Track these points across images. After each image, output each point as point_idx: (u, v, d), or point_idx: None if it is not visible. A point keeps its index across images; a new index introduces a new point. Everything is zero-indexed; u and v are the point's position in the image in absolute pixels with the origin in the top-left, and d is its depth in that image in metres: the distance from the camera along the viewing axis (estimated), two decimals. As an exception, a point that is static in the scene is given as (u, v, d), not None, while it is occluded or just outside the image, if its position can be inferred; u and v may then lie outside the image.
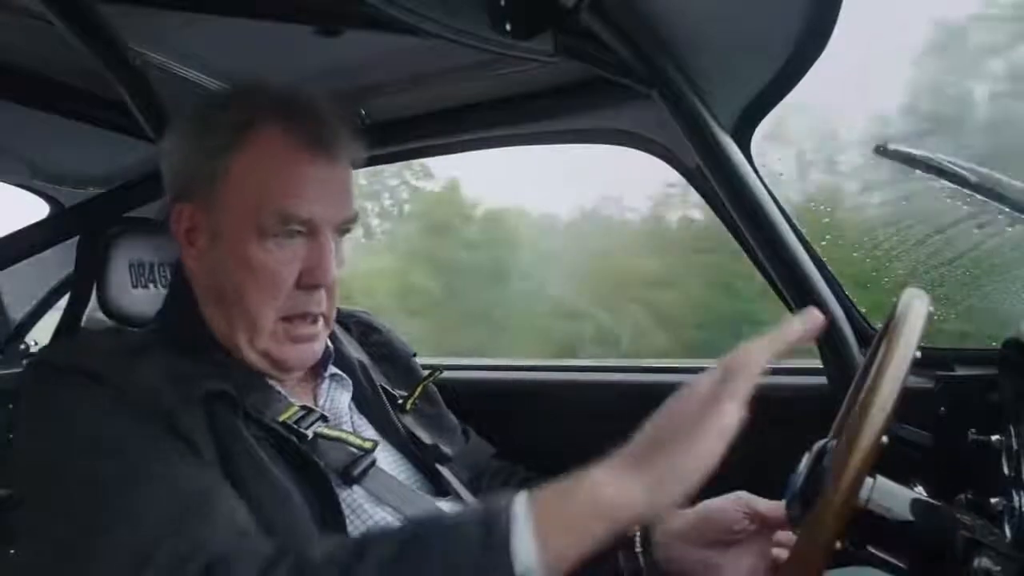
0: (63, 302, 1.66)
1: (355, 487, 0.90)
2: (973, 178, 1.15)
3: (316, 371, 1.03)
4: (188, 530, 0.67)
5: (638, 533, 1.00)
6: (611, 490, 0.63)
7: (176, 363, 0.84)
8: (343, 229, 0.95)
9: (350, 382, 1.05)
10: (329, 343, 1.04)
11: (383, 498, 0.91)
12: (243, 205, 0.88)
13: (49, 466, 0.75)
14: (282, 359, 0.92)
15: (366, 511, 0.89)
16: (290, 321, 0.92)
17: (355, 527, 0.86)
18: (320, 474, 0.85)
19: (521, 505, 0.62)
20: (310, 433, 0.88)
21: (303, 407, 0.92)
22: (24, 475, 0.78)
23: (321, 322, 0.95)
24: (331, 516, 0.83)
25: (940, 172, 1.18)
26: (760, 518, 0.92)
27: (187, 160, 0.92)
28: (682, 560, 0.97)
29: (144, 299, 1.10)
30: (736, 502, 0.94)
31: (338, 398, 1.02)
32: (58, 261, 1.78)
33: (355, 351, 1.12)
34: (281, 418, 0.88)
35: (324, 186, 0.91)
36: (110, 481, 0.71)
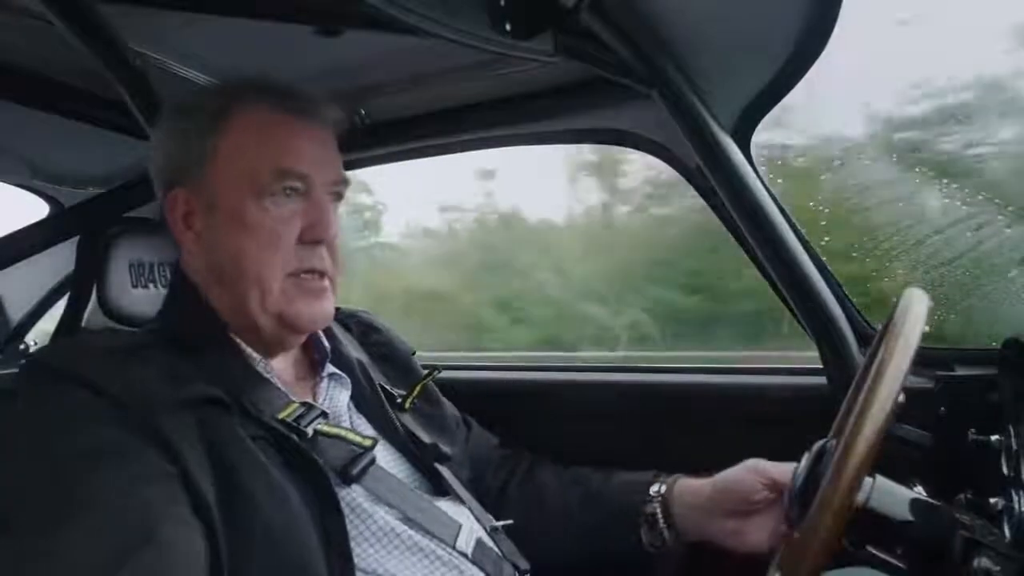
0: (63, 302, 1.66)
1: (354, 486, 0.90)
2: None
3: (314, 370, 1.03)
4: (127, 571, 0.65)
5: (659, 509, 1.03)
6: None
7: (172, 363, 0.83)
8: (336, 192, 0.97)
9: (349, 381, 1.05)
10: (327, 343, 1.05)
11: (382, 497, 0.91)
12: (237, 173, 0.91)
13: (15, 476, 0.73)
14: (295, 316, 0.93)
15: (365, 510, 0.89)
16: (297, 277, 0.93)
17: (354, 526, 0.86)
18: (320, 472, 0.84)
19: None
20: (310, 431, 0.88)
21: (304, 403, 0.92)
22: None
23: (328, 280, 0.96)
24: (330, 515, 0.83)
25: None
26: (776, 485, 0.94)
27: (173, 148, 0.95)
28: (704, 530, 1.02)
29: (144, 299, 1.10)
30: (752, 471, 0.97)
31: (337, 397, 1.02)
32: (58, 261, 1.79)
33: (354, 350, 1.12)
34: (281, 416, 0.87)
35: (313, 144, 0.94)
36: (62, 503, 0.69)
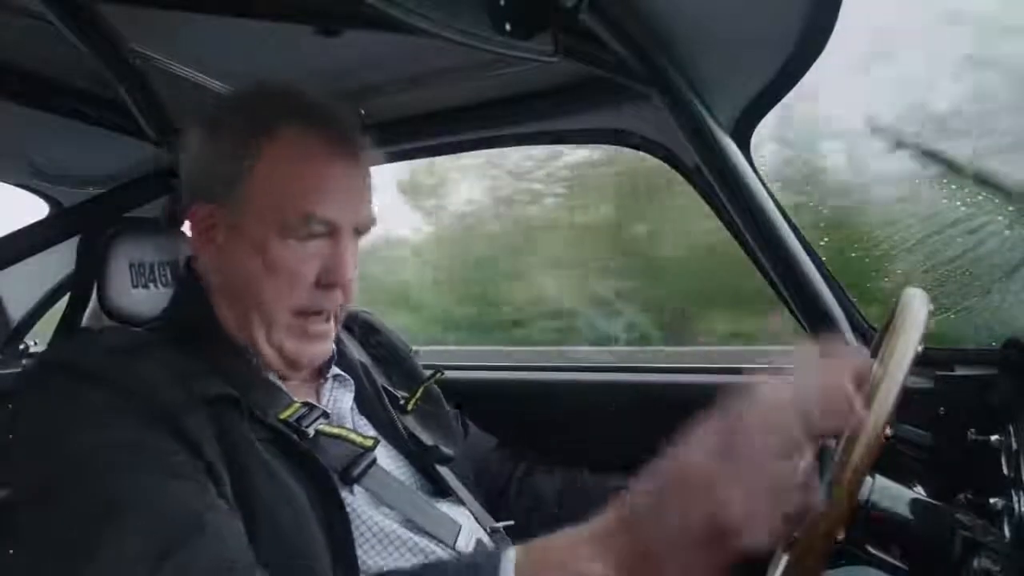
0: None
1: (355, 487, 0.90)
2: (963, 165, 1.16)
3: (319, 371, 1.03)
4: (173, 562, 0.66)
5: None
6: (583, 565, 0.63)
7: (182, 362, 0.84)
8: (361, 230, 0.96)
9: (352, 383, 1.05)
10: (332, 344, 1.05)
11: (383, 498, 0.91)
12: (266, 205, 0.89)
13: (43, 475, 0.73)
14: (295, 355, 0.93)
15: (366, 511, 0.89)
16: (305, 317, 0.92)
17: (355, 526, 0.86)
18: (323, 473, 0.85)
19: (509, 560, 0.65)
20: (311, 431, 0.88)
21: (305, 404, 0.92)
22: (19, 479, 0.78)
23: (333, 321, 0.96)
24: (334, 516, 0.83)
25: (931, 156, 1.19)
26: None
27: (207, 162, 0.93)
28: None
29: (144, 299, 1.10)
30: None
31: (340, 398, 1.02)
32: (58, 261, 1.79)
33: (357, 352, 1.12)
34: (283, 416, 0.88)
35: (346, 187, 0.92)
36: (100, 501, 0.69)
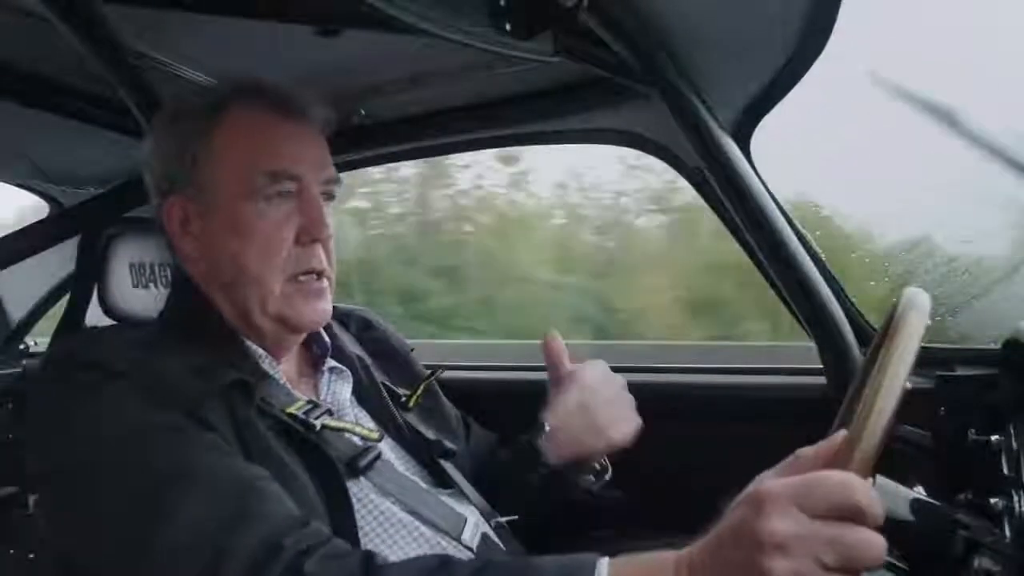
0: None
1: (361, 479, 0.91)
2: (966, 123, 1.16)
3: (316, 365, 1.04)
4: (250, 524, 0.70)
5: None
6: None
7: (193, 355, 0.85)
8: (327, 192, 0.97)
9: (350, 375, 1.06)
10: (327, 338, 1.05)
11: (388, 490, 0.92)
12: (230, 176, 0.91)
13: (87, 467, 0.76)
14: (296, 317, 0.94)
15: (372, 502, 0.89)
16: (296, 280, 0.93)
17: (361, 517, 0.87)
18: (331, 465, 0.86)
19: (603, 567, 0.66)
20: (318, 424, 0.89)
21: (309, 401, 0.93)
22: (53, 476, 0.80)
23: (326, 280, 0.97)
24: (340, 507, 0.84)
25: (932, 109, 1.18)
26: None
27: (167, 155, 0.95)
28: (582, 445, 1.09)
29: (144, 299, 1.10)
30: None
31: (339, 391, 1.03)
32: (58, 261, 1.79)
33: (353, 347, 1.13)
34: (289, 410, 0.88)
35: (303, 143, 0.95)
36: (162, 477, 0.73)
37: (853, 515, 0.53)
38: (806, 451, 0.61)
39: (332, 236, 0.96)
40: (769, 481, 0.59)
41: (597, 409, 1.07)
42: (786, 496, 0.54)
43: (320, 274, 0.95)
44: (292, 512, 0.75)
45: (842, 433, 0.58)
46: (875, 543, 0.53)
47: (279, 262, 0.91)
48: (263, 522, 0.71)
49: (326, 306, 0.97)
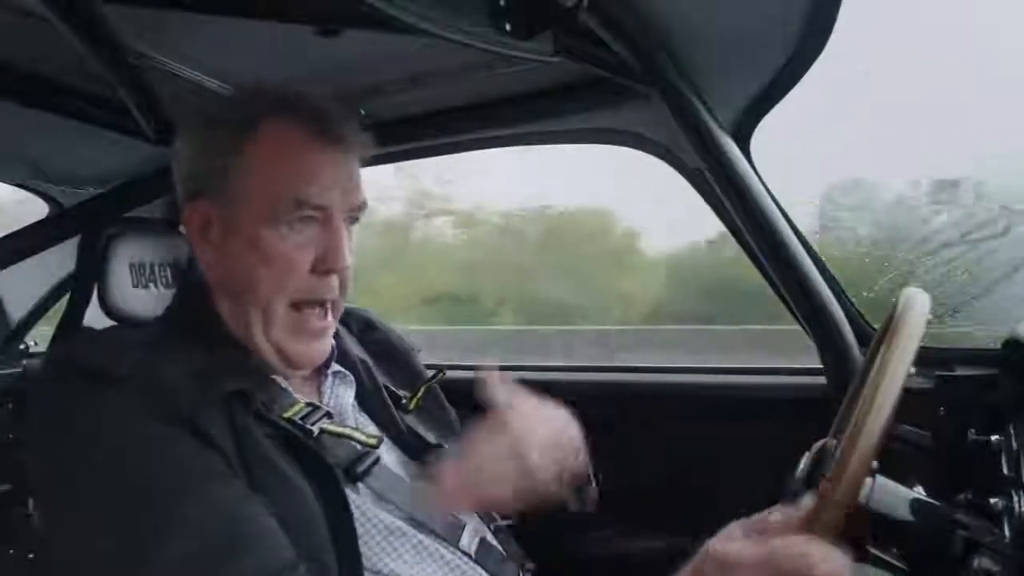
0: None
1: (359, 485, 0.90)
2: None
3: (319, 368, 1.04)
4: (239, 559, 0.70)
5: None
6: None
7: (194, 359, 0.85)
8: (353, 217, 0.96)
9: (353, 379, 1.05)
10: (332, 340, 1.05)
11: (386, 496, 0.92)
12: (257, 195, 0.90)
13: (84, 474, 0.76)
14: (293, 355, 0.93)
15: (370, 508, 0.89)
16: (301, 310, 0.93)
17: (359, 524, 0.86)
18: (328, 471, 0.85)
19: None
20: (315, 429, 0.89)
21: (309, 404, 0.92)
22: (52, 480, 0.80)
23: (330, 315, 0.96)
24: (339, 513, 0.83)
25: None
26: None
27: (198, 159, 0.94)
28: None
29: (145, 299, 1.10)
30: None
31: (342, 395, 1.02)
32: (58, 261, 1.79)
33: (356, 349, 1.13)
34: (287, 415, 0.88)
35: (334, 172, 0.93)
36: (157, 497, 0.73)
37: None
38: (776, 516, 0.62)
39: (350, 265, 0.94)
40: (736, 545, 0.59)
41: (528, 454, 0.91)
42: (748, 565, 0.55)
43: (326, 309, 0.95)
44: (284, 553, 0.74)
45: (809, 498, 0.59)
46: None
47: (290, 286, 0.91)
48: (253, 559, 0.71)
49: (325, 346, 0.97)
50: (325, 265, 0.91)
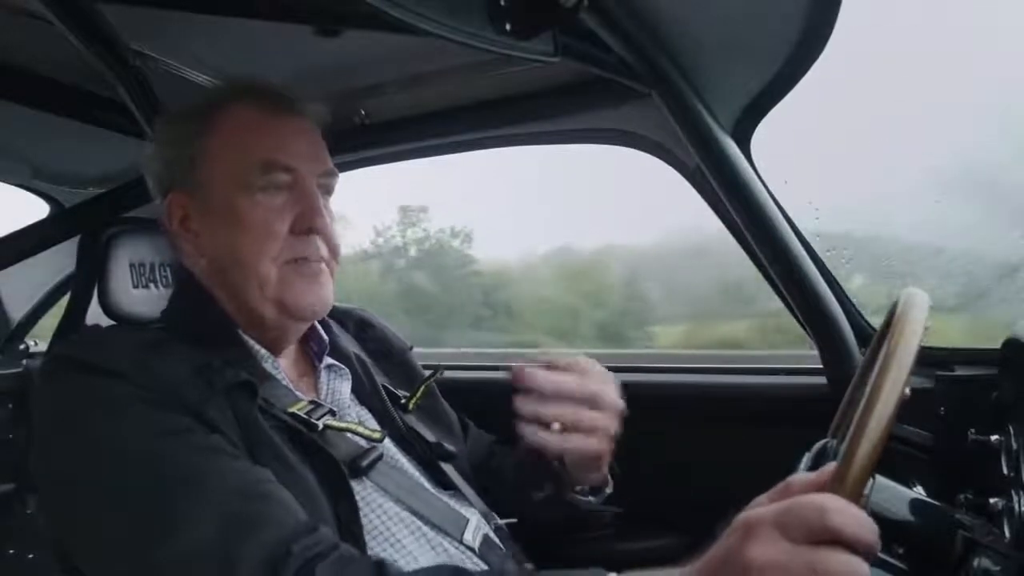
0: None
1: (363, 479, 0.91)
2: None
3: (314, 364, 1.04)
4: (258, 531, 0.70)
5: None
6: None
7: (195, 355, 0.85)
8: (325, 185, 0.98)
9: (347, 372, 1.06)
10: (325, 335, 1.05)
11: (390, 490, 0.92)
12: (226, 171, 0.93)
13: (89, 472, 0.76)
14: (294, 302, 0.94)
15: (375, 501, 0.90)
16: (293, 263, 0.94)
17: (364, 517, 0.87)
18: (333, 463, 0.86)
19: None
20: (320, 424, 0.90)
21: (311, 401, 0.93)
22: (55, 479, 0.80)
23: (325, 267, 0.97)
24: (344, 507, 0.84)
25: None
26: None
27: (165, 156, 0.97)
28: None
29: (145, 299, 1.10)
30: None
31: (339, 388, 1.03)
32: (58, 261, 1.79)
33: (351, 345, 1.13)
34: (292, 410, 0.89)
35: (297, 137, 0.96)
36: (167, 484, 0.73)
37: (832, 539, 0.51)
38: (798, 477, 0.60)
39: (330, 225, 0.96)
40: (757, 507, 0.59)
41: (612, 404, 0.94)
42: (768, 522, 0.54)
43: (318, 261, 0.96)
44: (300, 517, 0.75)
45: (833, 465, 0.57)
46: (855, 569, 0.51)
47: (274, 250, 0.92)
48: (271, 528, 0.71)
49: (325, 292, 0.97)
50: (303, 224, 0.93)
